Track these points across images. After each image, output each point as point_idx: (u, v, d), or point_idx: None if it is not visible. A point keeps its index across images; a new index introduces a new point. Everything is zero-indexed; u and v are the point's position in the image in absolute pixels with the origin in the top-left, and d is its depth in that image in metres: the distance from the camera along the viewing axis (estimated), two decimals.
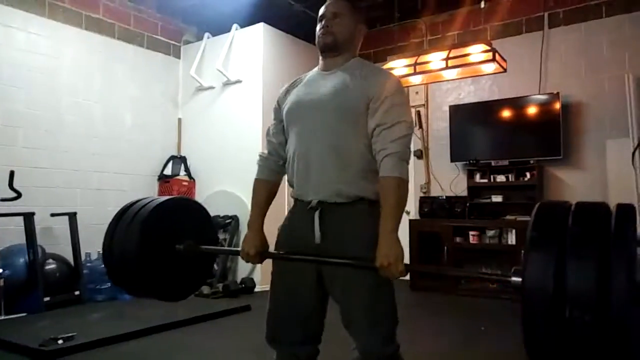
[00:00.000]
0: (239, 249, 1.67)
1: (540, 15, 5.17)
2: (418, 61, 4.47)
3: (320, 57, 1.65)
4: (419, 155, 5.81)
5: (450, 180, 5.51)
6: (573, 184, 4.92)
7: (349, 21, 1.60)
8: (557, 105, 4.83)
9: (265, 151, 1.72)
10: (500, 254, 4.93)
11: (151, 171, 5.59)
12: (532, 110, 5.03)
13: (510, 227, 4.83)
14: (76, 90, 4.90)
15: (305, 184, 1.56)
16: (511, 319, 3.92)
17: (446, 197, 5.34)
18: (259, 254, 1.63)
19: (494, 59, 4.14)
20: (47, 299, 3.97)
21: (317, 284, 1.57)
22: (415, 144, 5.82)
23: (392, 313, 1.52)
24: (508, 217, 4.96)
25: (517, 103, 5.12)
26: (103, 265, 4.69)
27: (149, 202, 1.81)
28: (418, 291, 4.98)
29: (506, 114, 5.18)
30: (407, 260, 5.60)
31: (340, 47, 1.58)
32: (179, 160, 5.76)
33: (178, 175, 5.66)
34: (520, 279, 1.16)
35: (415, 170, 5.82)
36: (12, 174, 3.92)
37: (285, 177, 1.70)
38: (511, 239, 4.80)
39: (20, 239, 4.04)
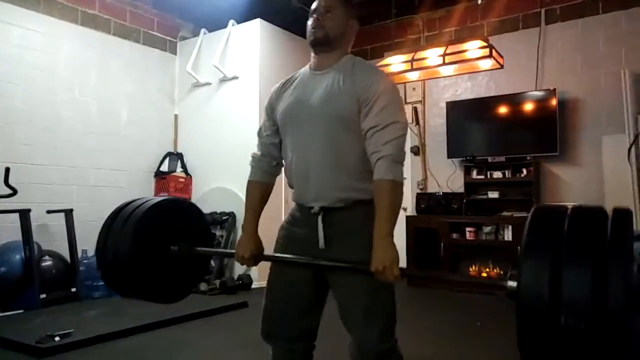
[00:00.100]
0: (234, 251, 1.65)
1: (537, 12, 5.17)
2: (415, 57, 4.48)
3: (312, 54, 1.61)
4: (416, 151, 5.81)
5: (447, 177, 5.52)
6: (569, 180, 4.93)
7: (341, 16, 1.57)
8: (554, 102, 4.84)
9: (258, 152, 1.69)
10: (496, 250, 4.95)
11: (148, 167, 5.58)
12: (528, 106, 5.04)
13: (506, 224, 4.84)
14: (72, 87, 4.88)
15: (306, 191, 1.56)
16: (506, 314, 3.94)
17: (443, 193, 5.35)
18: (254, 257, 1.62)
19: (490, 55, 4.14)
20: (43, 296, 3.96)
21: (315, 280, 1.57)
22: (412, 140, 5.83)
23: (390, 311, 1.52)
24: (504, 213, 4.97)
25: (513, 99, 5.13)
26: None
27: (143, 203, 1.78)
28: (414, 286, 4.99)
29: (503, 110, 5.19)
30: (404, 256, 5.61)
31: (331, 42, 1.55)
32: (175, 156, 5.75)
33: (175, 171, 5.64)
34: (515, 284, 1.14)
35: (412, 166, 5.83)
36: (7, 170, 3.90)
37: (280, 177, 1.71)
38: (507, 235, 4.82)
39: (16, 235, 4.02)
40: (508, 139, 5.15)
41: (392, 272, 1.35)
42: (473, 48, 4.29)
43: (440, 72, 4.75)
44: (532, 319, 1.08)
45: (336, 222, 1.52)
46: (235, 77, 5.46)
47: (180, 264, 1.79)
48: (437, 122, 5.69)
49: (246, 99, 5.34)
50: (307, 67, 1.64)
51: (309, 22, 1.58)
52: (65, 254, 4.39)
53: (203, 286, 4.56)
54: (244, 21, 5.46)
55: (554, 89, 4.87)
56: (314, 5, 1.60)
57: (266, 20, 5.38)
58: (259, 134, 1.71)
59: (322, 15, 1.55)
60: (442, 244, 5.05)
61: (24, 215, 4.01)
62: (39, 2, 4.59)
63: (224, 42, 5.51)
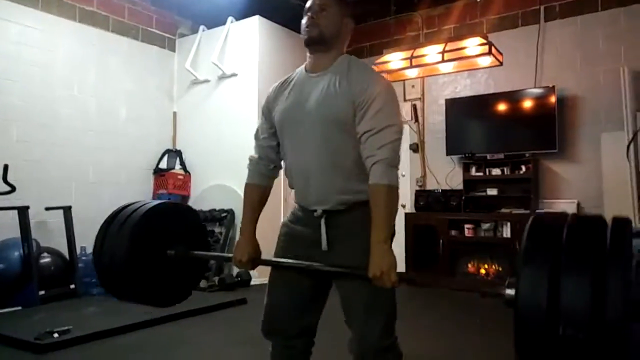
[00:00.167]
0: (232, 255, 1.65)
1: (536, 9, 5.17)
2: (414, 54, 4.47)
3: (308, 53, 1.59)
4: (415, 148, 5.81)
5: (446, 174, 5.52)
6: (568, 177, 4.94)
7: (335, 14, 1.55)
8: (553, 99, 4.84)
9: (256, 155, 1.67)
10: (495, 246, 4.95)
11: (147, 165, 5.57)
12: (527, 103, 5.04)
13: (505, 220, 4.85)
14: (71, 84, 4.87)
15: (307, 194, 1.57)
16: (506, 312, 3.95)
17: (442, 190, 5.36)
18: (252, 261, 1.62)
19: (490, 53, 4.14)
20: (42, 292, 3.96)
21: (317, 277, 1.58)
22: (411, 138, 5.83)
23: (391, 308, 1.53)
24: (503, 210, 4.98)
25: (512, 96, 5.12)
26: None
27: (140, 207, 1.77)
28: (413, 284, 5.00)
29: (502, 107, 5.19)
30: (402, 253, 5.60)
31: (326, 41, 1.53)
32: (174, 154, 5.75)
33: (173, 169, 5.64)
34: (513, 292, 1.13)
35: (411, 163, 5.83)
36: (6, 167, 3.90)
37: (279, 178, 1.70)
38: (506, 232, 4.83)
39: (15, 232, 4.01)
40: (507, 136, 5.15)
41: (390, 278, 1.35)
42: (472, 45, 4.28)
43: (440, 70, 4.75)
44: (530, 328, 1.07)
45: (338, 224, 1.53)
46: (234, 74, 5.45)
47: (177, 267, 1.77)
48: (436, 119, 5.69)
49: (245, 96, 5.33)
50: (303, 67, 1.61)
51: (303, 21, 1.56)
52: (64, 251, 4.39)
53: (202, 283, 4.55)
54: (243, 18, 5.45)
55: (553, 86, 4.87)
56: (308, 4, 1.58)
57: (265, 17, 5.37)
58: (256, 136, 1.69)
59: (317, 14, 1.53)
60: (440, 241, 5.05)
61: (23, 212, 4.00)
62: None
63: (222, 39, 5.50)
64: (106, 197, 5.03)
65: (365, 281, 1.42)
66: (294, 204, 1.65)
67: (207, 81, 5.67)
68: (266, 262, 1.63)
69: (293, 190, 1.65)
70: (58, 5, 4.74)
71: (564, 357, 1.05)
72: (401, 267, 5.09)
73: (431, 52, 4.41)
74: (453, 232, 5.08)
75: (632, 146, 4.34)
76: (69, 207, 4.46)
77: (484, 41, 4.21)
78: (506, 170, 5.03)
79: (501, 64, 4.44)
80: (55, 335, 2.96)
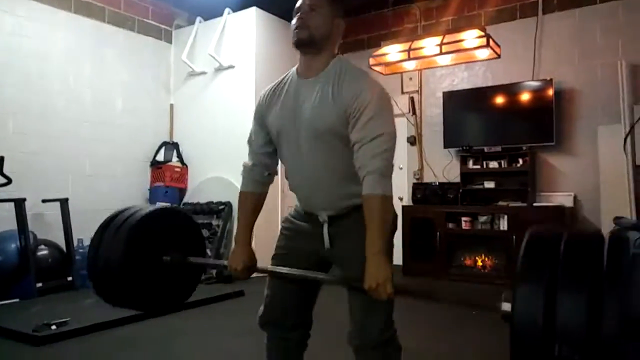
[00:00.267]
0: (227, 262, 1.65)
1: (535, 1, 5.15)
2: (412, 47, 4.46)
3: (299, 55, 1.54)
4: (412, 141, 5.81)
5: (443, 167, 5.52)
6: (565, 170, 4.95)
7: (326, 15, 1.49)
8: (550, 92, 4.84)
9: (250, 162, 1.65)
10: (492, 239, 4.97)
11: (143, 157, 5.56)
12: (525, 96, 5.04)
13: (502, 213, 4.86)
14: (66, 75, 4.84)
15: (310, 202, 1.59)
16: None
17: (439, 183, 5.36)
18: (247, 269, 1.62)
19: (488, 45, 4.13)
20: (39, 284, 3.96)
21: (316, 270, 1.60)
22: (408, 130, 5.83)
23: (390, 303, 1.52)
24: (500, 203, 4.99)
25: (510, 89, 5.12)
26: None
27: (136, 212, 1.75)
28: (410, 276, 5.02)
29: (499, 100, 5.18)
30: (400, 246, 5.59)
31: (316, 43, 1.48)
32: (171, 146, 5.73)
33: (170, 161, 5.63)
34: (509, 308, 1.12)
35: (408, 156, 5.83)
36: (1, 159, 3.88)
37: (276, 181, 1.70)
38: (503, 224, 4.84)
39: (12, 225, 4.01)
40: (504, 129, 5.15)
41: (385, 290, 1.34)
42: (470, 37, 4.27)
43: (437, 62, 4.74)
44: (525, 344, 1.07)
45: (339, 224, 1.55)
46: (231, 66, 5.43)
47: (172, 274, 1.75)
48: (433, 112, 5.68)
49: (242, 88, 5.31)
50: (295, 70, 1.57)
51: (293, 22, 1.51)
52: (61, 243, 4.39)
53: None
54: (240, 9, 5.42)
55: (551, 79, 4.86)
56: (298, 4, 1.53)
57: (262, 8, 5.34)
58: (249, 141, 1.66)
59: (307, 14, 1.49)
60: (437, 234, 5.07)
61: (19, 204, 4.00)
62: None
63: (219, 31, 5.46)
64: (103, 189, 5.03)
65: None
66: (288, 206, 1.66)
67: (203, 73, 5.64)
68: (261, 270, 1.63)
69: (293, 189, 1.65)
70: None
71: None
72: (398, 259, 5.10)
73: (429, 45, 4.40)
74: (450, 225, 5.09)
75: (629, 139, 4.35)
76: (66, 199, 4.45)
77: (482, 33, 4.20)
78: (503, 163, 5.04)
79: (499, 56, 4.43)
80: (53, 327, 2.97)
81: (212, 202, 5.29)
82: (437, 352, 2.82)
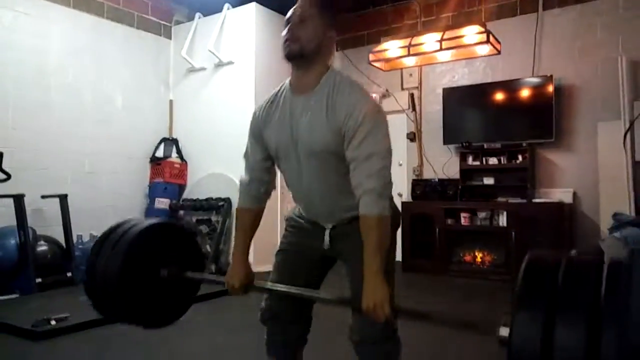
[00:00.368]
0: (223, 279, 1.64)
1: None
2: (412, 43, 4.45)
3: (291, 68, 1.51)
4: (412, 137, 5.81)
5: (443, 163, 5.52)
6: (564, 167, 4.95)
7: (317, 27, 1.45)
8: (550, 88, 4.83)
9: (246, 177, 1.63)
10: (491, 235, 4.98)
11: (143, 153, 5.55)
12: (525, 92, 5.03)
13: (501, 209, 4.86)
14: (65, 71, 4.82)
15: (312, 214, 1.61)
16: (501, 299, 3.99)
17: (438, 179, 5.37)
18: (244, 287, 1.62)
19: (488, 41, 4.13)
20: (38, 280, 3.96)
21: (320, 268, 1.63)
22: (408, 127, 5.82)
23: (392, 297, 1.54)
24: (500, 199, 5.00)
25: (510, 86, 5.11)
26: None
27: (134, 226, 1.73)
28: (409, 272, 5.03)
29: (499, 96, 5.18)
30: (399, 243, 5.61)
31: (307, 56, 1.44)
32: (170, 142, 5.72)
33: (170, 157, 5.62)
34: (507, 334, 1.11)
35: (407, 152, 5.83)
36: (0, 155, 3.88)
37: (276, 185, 1.71)
38: (502, 221, 4.84)
39: (11, 220, 4.01)
40: (504, 125, 5.15)
41: (383, 311, 1.33)
42: (470, 33, 4.26)
43: (437, 58, 4.73)
44: None
45: (340, 228, 1.57)
46: (230, 62, 5.42)
47: (169, 288, 1.74)
48: (433, 108, 5.67)
49: (242, 84, 5.30)
50: (288, 84, 1.54)
51: (283, 33, 1.47)
52: (60, 239, 4.38)
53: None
54: (239, 5, 5.40)
55: (551, 76, 4.86)
56: (288, 14, 1.49)
57: (261, 4, 5.33)
58: (246, 156, 1.64)
59: (296, 26, 1.45)
60: (437, 230, 5.07)
61: (18, 200, 3.99)
62: None
63: (219, 27, 5.45)
64: (102, 185, 5.03)
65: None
66: (287, 210, 1.67)
67: (203, 69, 5.63)
68: (258, 288, 1.63)
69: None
70: None
71: None
72: (398, 256, 5.11)
73: (429, 41, 4.39)
74: (449, 221, 5.10)
75: (628, 135, 4.35)
76: (65, 195, 4.45)
77: (482, 29, 4.19)
78: (503, 160, 5.04)
79: (499, 52, 4.43)
80: (53, 322, 2.97)
81: (211, 198, 5.29)
82: (437, 345, 2.82)
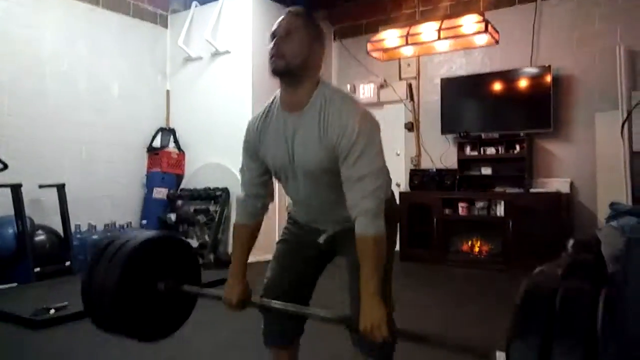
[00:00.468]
0: (222, 294, 1.63)
1: None
2: (410, 32, 4.43)
3: (280, 84, 1.46)
4: (410, 127, 5.80)
5: (441, 153, 5.52)
6: (562, 157, 4.96)
7: (303, 40, 1.40)
8: (548, 78, 4.82)
9: (242, 193, 1.62)
10: (488, 225, 5.00)
11: (140, 143, 5.54)
12: (523, 83, 5.02)
13: (499, 199, 4.88)
14: (61, 60, 4.79)
15: (312, 223, 1.62)
16: (498, 289, 4.02)
17: (436, 169, 5.37)
18: (242, 303, 1.61)
19: (486, 30, 4.11)
20: (37, 269, 3.97)
21: (319, 262, 1.64)
22: (406, 117, 5.82)
23: (388, 293, 1.55)
24: (497, 189, 5.01)
25: (508, 76, 5.10)
26: (94, 237, 4.63)
27: (132, 239, 1.72)
28: (407, 261, 5.05)
29: (497, 86, 5.17)
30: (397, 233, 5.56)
31: (294, 72, 1.40)
32: (167, 132, 5.71)
33: (167, 147, 5.61)
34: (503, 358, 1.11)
35: (405, 142, 5.83)
36: None
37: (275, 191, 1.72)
38: (500, 210, 4.86)
39: (9, 210, 4.00)
40: (502, 115, 5.14)
41: (380, 332, 1.32)
42: (468, 23, 4.25)
43: (435, 48, 4.72)
44: None
45: (338, 233, 1.59)
46: (227, 52, 5.39)
47: (166, 301, 1.74)
48: (431, 98, 5.66)
49: (239, 73, 5.28)
50: (278, 101, 1.49)
51: (269, 47, 1.42)
52: (58, 228, 4.38)
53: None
54: None
55: (549, 66, 4.85)
56: (274, 27, 1.44)
57: None
58: (242, 172, 1.63)
59: (282, 41, 1.40)
60: (434, 220, 5.09)
61: (16, 189, 3.98)
62: None
63: (216, 15, 5.41)
64: (100, 175, 5.02)
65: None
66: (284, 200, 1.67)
67: (200, 58, 5.60)
68: (256, 305, 1.63)
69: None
70: None
71: None
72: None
73: (427, 30, 4.37)
74: (447, 211, 5.11)
75: (626, 125, 4.35)
76: (63, 185, 4.44)
77: (481, 19, 4.18)
78: (501, 150, 5.05)
79: (497, 42, 4.41)
80: (52, 311, 2.98)
81: (209, 188, 5.29)
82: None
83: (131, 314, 1.65)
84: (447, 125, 5.39)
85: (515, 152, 4.97)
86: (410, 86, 5.80)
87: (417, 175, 5.41)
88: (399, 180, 5.66)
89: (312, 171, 1.45)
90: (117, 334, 1.71)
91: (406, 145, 5.83)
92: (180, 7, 5.86)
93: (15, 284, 3.80)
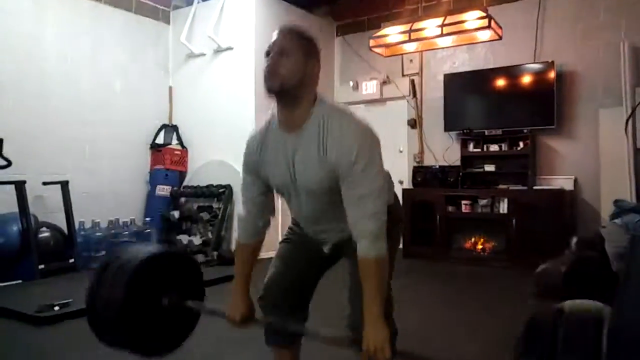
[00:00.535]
0: (224, 312, 1.64)
1: None
2: (413, 28, 4.41)
3: (276, 103, 1.44)
4: (413, 124, 5.79)
5: (444, 150, 5.51)
6: (565, 153, 4.94)
7: (298, 59, 1.38)
8: (552, 74, 4.80)
9: (244, 212, 1.62)
10: (492, 222, 4.99)
11: (143, 140, 5.55)
12: (526, 79, 5.00)
13: (502, 196, 4.87)
14: (63, 56, 4.79)
15: (317, 235, 1.62)
16: (502, 287, 4.02)
17: (439, 166, 5.36)
18: (245, 320, 1.62)
19: (489, 26, 4.09)
20: (41, 266, 3.98)
21: (320, 262, 1.64)
22: (409, 113, 5.80)
23: (388, 291, 1.55)
24: (500, 186, 4.99)
25: (511, 72, 5.08)
26: (98, 234, 4.64)
27: (136, 254, 1.73)
28: (410, 258, 5.05)
29: (501, 82, 5.15)
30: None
31: (289, 92, 1.37)
32: (170, 129, 5.71)
33: (170, 144, 5.62)
34: None
35: (408, 139, 5.82)
36: (0, 141, 3.87)
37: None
38: (503, 208, 4.85)
39: (13, 207, 4.01)
40: (505, 112, 5.12)
41: (384, 354, 1.33)
42: (471, 19, 4.22)
43: (438, 44, 4.69)
44: None
45: (341, 241, 1.60)
46: (230, 48, 5.38)
47: (170, 316, 1.74)
48: (434, 95, 5.64)
49: (241, 70, 5.27)
50: (276, 120, 1.46)
51: (264, 66, 1.41)
52: (62, 225, 4.39)
53: (200, 258, 4.60)
54: None
55: (552, 62, 4.82)
56: (268, 46, 1.42)
57: None
58: (243, 191, 1.62)
59: (277, 59, 1.38)
60: (437, 217, 5.08)
61: (19, 186, 3.99)
62: None
63: (218, 12, 5.40)
64: (103, 172, 5.03)
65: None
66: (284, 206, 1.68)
67: (202, 55, 5.59)
68: (259, 322, 1.64)
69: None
70: None
71: None
72: None
73: (430, 26, 4.34)
74: (450, 208, 5.10)
75: (630, 122, 4.33)
76: (66, 182, 4.45)
77: (484, 14, 4.15)
78: (504, 146, 5.03)
79: (500, 38, 4.38)
80: (56, 308, 2.99)
81: (212, 185, 5.30)
82: (437, 330, 2.84)
83: (136, 329, 1.67)
84: (450, 121, 5.37)
85: (519, 149, 4.95)
86: (413, 82, 5.78)
87: (420, 172, 5.40)
88: (402, 177, 5.66)
89: (313, 190, 1.45)
90: (121, 348, 1.73)
91: (409, 142, 5.81)
92: (182, 4, 5.85)
93: (19, 281, 3.82)
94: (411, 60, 5.80)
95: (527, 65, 5.00)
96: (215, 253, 4.79)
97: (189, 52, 5.64)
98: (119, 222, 4.93)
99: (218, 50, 5.45)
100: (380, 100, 5.86)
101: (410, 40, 4.50)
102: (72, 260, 4.26)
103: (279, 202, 1.69)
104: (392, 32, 4.56)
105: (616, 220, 2.73)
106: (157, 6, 5.67)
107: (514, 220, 4.69)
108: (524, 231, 4.64)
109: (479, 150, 5.16)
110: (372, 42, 4.70)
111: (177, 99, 5.83)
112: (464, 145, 5.23)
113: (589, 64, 4.83)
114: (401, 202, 5.63)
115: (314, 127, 1.39)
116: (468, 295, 3.73)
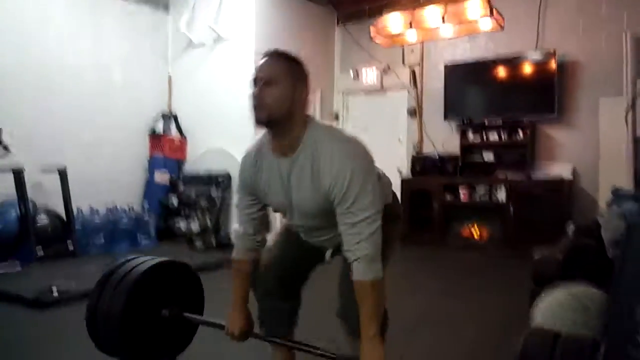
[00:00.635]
0: (224, 324, 1.65)
1: None
2: (414, 17, 4.39)
3: (266, 131, 1.44)
4: (413, 113, 5.78)
5: (443, 139, 5.50)
6: (565, 142, 4.94)
7: (285, 88, 1.36)
8: (553, 64, 4.79)
9: (241, 228, 1.62)
10: (490, 210, 5.00)
11: (143, 127, 5.54)
12: (527, 68, 4.98)
13: (500, 185, 4.87)
14: (63, 45, 4.77)
15: (314, 244, 1.63)
16: (498, 272, 4.04)
17: (438, 155, 5.36)
18: (244, 334, 1.64)
19: (491, 14, 4.07)
20: (40, 252, 3.99)
21: (315, 251, 1.64)
22: (409, 102, 5.79)
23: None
24: (499, 175, 5.00)
25: (512, 61, 5.06)
26: (96, 221, 4.65)
27: (138, 265, 1.75)
28: (409, 245, 5.05)
29: (501, 72, 5.13)
30: None
31: (278, 122, 1.36)
32: (169, 118, 5.70)
33: (169, 132, 5.61)
34: None
35: (408, 128, 5.81)
36: None
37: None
38: (501, 196, 4.86)
39: (12, 194, 4.01)
40: (505, 101, 5.11)
41: None
42: (473, 7, 4.20)
43: (439, 33, 4.68)
44: None
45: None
46: (229, 38, 5.35)
47: (169, 327, 1.77)
48: (434, 84, 5.62)
49: (241, 60, 5.25)
50: (269, 146, 1.46)
51: (251, 95, 1.38)
52: (61, 211, 4.40)
53: (199, 243, 4.63)
54: None
55: (554, 51, 4.80)
56: (253, 74, 1.39)
57: None
58: (239, 209, 1.62)
59: (263, 90, 1.35)
60: (436, 205, 5.09)
61: (18, 173, 3.99)
62: None
63: (218, 1, 5.36)
64: (101, 159, 5.03)
65: None
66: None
67: (202, 44, 5.57)
68: (258, 336, 1.66)
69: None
70: None
71: None
72: None
73: (431, 15, 4.33)
74: (448, 197, 5.11)
75: (630, 112, 4.32)
76: (65, 169, 4.44)
77: (485, 3, 4.13)
78: (503, 136, 5.02)
79: (502, 27, 4.37)
80: (55, 293, 3.00)
81: (210, 173, 5.30)
82: (438, 317, 2.86)
83: (136, 339, 1.69)
84: (450, 111, 5.36)
85: (518, 138, 4.95)
86: (413, 72, 5.75)
87: (419, 162, 5.40)
88: (401, 167, 5.66)
89: (309, 213, 1.47)
90: (121, 357, 1.74)
91: (408, 131, 5.81)
92: None
93: (17, 266, 3.83)
94: (412, 50, 5.78)
95: (528, 55, 4.98)
96: (213, 239, 4.81)
97: (188, 42, 5.61)
98: (117, 208, 4.94)
99: (218, 40, 5.42)
100: (381, 90, 5.84)
101: (411, 28, 4.48)
102: (70, 247, 4.27)
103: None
104: (393, 21, 4.54)
105: (613, 207, 2.74)
106: None
107: (512, 209, 4.70)
108: (521, 219, 4.66)
109: (478, 139, 5.15)
110: (372, 31, 4.68)
111: (176, 87, 5.81)
112: (463, 134, 5.22)
113: (590, 53, 4.81)
114: (400, 190, 5.60)
115: (307, 152, 1.39)
116: (466, 281, 3.74)
